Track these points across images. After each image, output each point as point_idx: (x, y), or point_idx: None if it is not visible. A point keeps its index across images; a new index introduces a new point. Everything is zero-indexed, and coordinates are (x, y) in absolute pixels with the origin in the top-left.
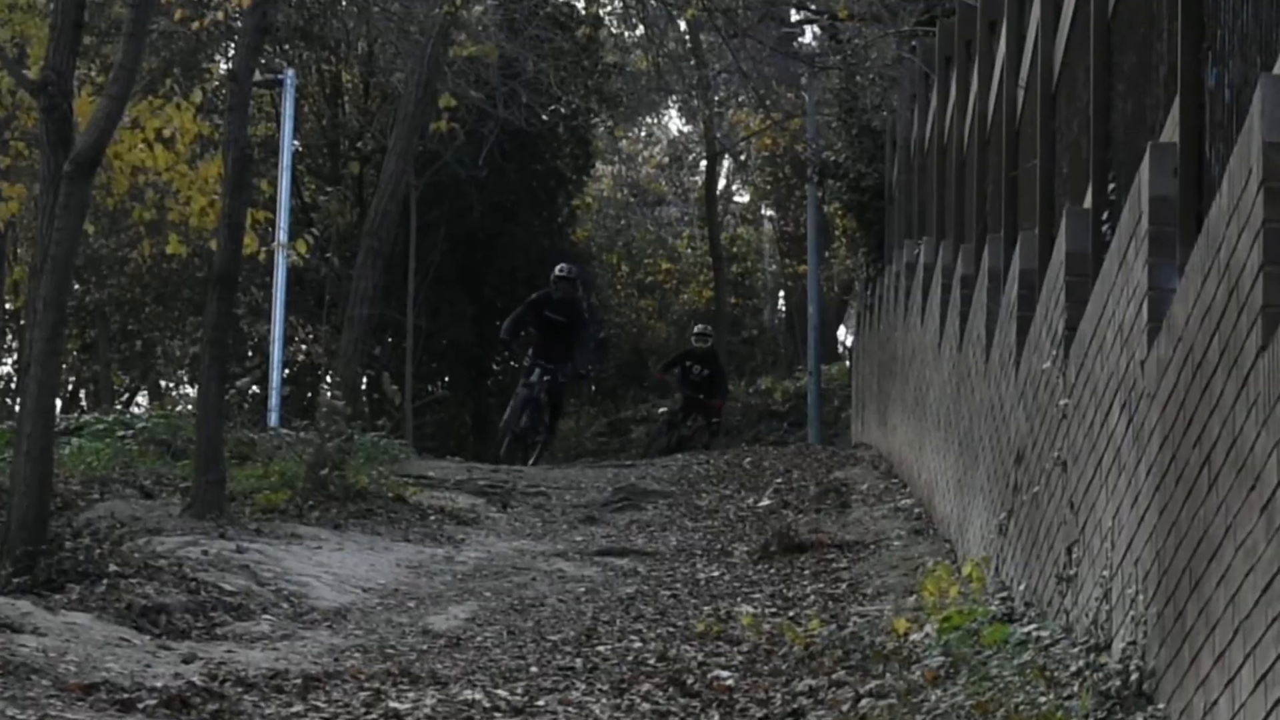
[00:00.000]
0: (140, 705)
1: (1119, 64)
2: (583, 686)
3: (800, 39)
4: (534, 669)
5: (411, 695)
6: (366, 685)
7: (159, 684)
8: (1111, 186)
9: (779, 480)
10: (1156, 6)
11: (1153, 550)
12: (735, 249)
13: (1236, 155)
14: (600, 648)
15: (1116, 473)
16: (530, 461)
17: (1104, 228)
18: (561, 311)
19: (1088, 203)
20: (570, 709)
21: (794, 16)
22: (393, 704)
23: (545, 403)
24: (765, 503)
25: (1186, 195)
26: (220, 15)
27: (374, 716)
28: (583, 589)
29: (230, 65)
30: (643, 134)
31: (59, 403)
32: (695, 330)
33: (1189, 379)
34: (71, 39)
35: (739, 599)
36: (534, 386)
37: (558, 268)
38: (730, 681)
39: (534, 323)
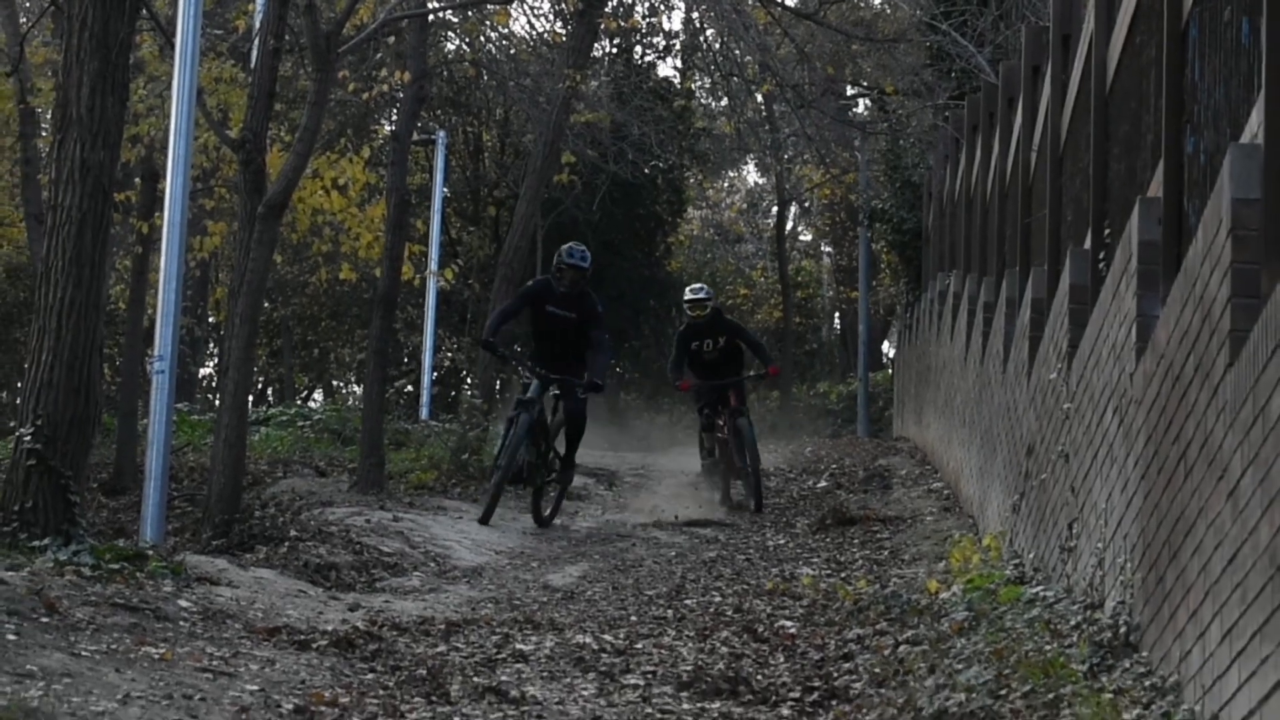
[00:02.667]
0: (314, 645)
1: (1114, 132)
2: (673, 633)
3: (854, 109)
4: (633, 618)
5: (534, 639)
6: (497, 630)
7: (329, 627)
8: (1107, 232)
9: (834, 466)
10: (1145, 86)
11: (1139, 527)
12: (799, 278)
13: (1210, 208)
14: (688, 601)
15: (1109, 464)
16: (547, 514)
17: (1100, 265)
18: (569, 305)
19: (1088, 245)
20: (663, 651)
21: (850, 91)
22: (519, 645)
23: (555, 428)
24: (822, 484)
25: (1168, 240)
26: (385, 87)
27: (504, 655)
28: (674, 553)
29: (393, 127)
30: (725, 185)
31: (251, 398)
32: (686, 298)
33: (1169, 389)
34: (265, 106)
35: (800, 563)
36: (532, 405)
37: (565, 248)
38: (793, 630)
39: (533, 321)
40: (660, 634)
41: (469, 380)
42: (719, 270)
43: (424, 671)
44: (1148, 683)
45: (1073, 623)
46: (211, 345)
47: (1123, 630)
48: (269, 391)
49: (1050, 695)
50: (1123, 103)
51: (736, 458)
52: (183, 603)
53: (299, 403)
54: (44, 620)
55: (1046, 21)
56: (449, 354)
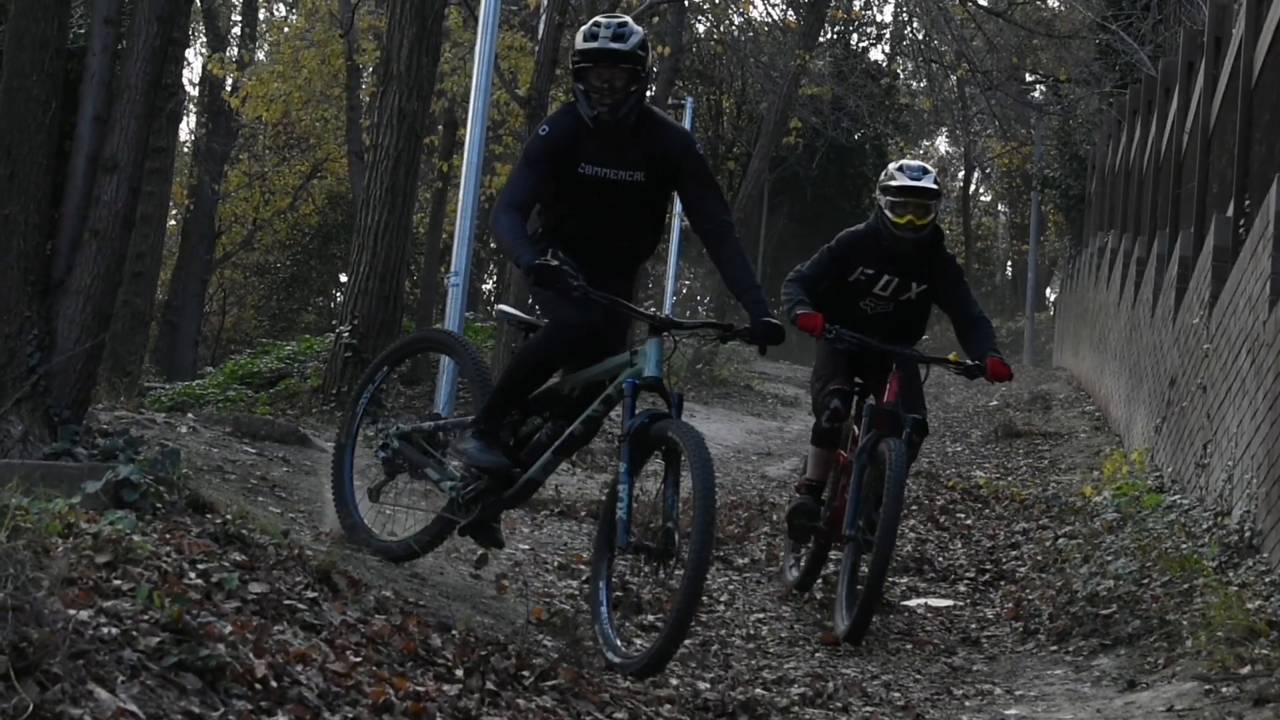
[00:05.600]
0: (574, 514)
1: (1257, 120)
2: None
3: (1032, 94)
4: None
5: (750, 517)
6: (722, 511)
7: (588, 499)
8: (1247, 203)
9: (1002, 389)
10: None
11: (1265, 449)
12: (979, 231)
13: None
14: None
15: (1241, 396)
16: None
17: (1240, 230)
18: (628, 153)
19: (1230, 213)
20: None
21: (1029, 78)
22: (740, 525)
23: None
24: (994, 403)
25: None
26: None
27: (732, 529)
28: None
29: (652, 93)
30: (921, 151)
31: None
32: (894, 183)
33: None
34: (549, 70)
35: (974, 466)
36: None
37: (586, 27)
38: (969, 521)
39: (559, 201)
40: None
41: (702, 300)
42: None
43: None
44: (1268, 579)
45: (1204, 526)
46: (492, 266)
47: (1247, 535)
48: (537, 307)
49: (1185, 585)
50: (1265, 95)
51: (857, 513)
52: None
53: None
54: (356, 484)
55: (1202, 25)
56: (686, 281)
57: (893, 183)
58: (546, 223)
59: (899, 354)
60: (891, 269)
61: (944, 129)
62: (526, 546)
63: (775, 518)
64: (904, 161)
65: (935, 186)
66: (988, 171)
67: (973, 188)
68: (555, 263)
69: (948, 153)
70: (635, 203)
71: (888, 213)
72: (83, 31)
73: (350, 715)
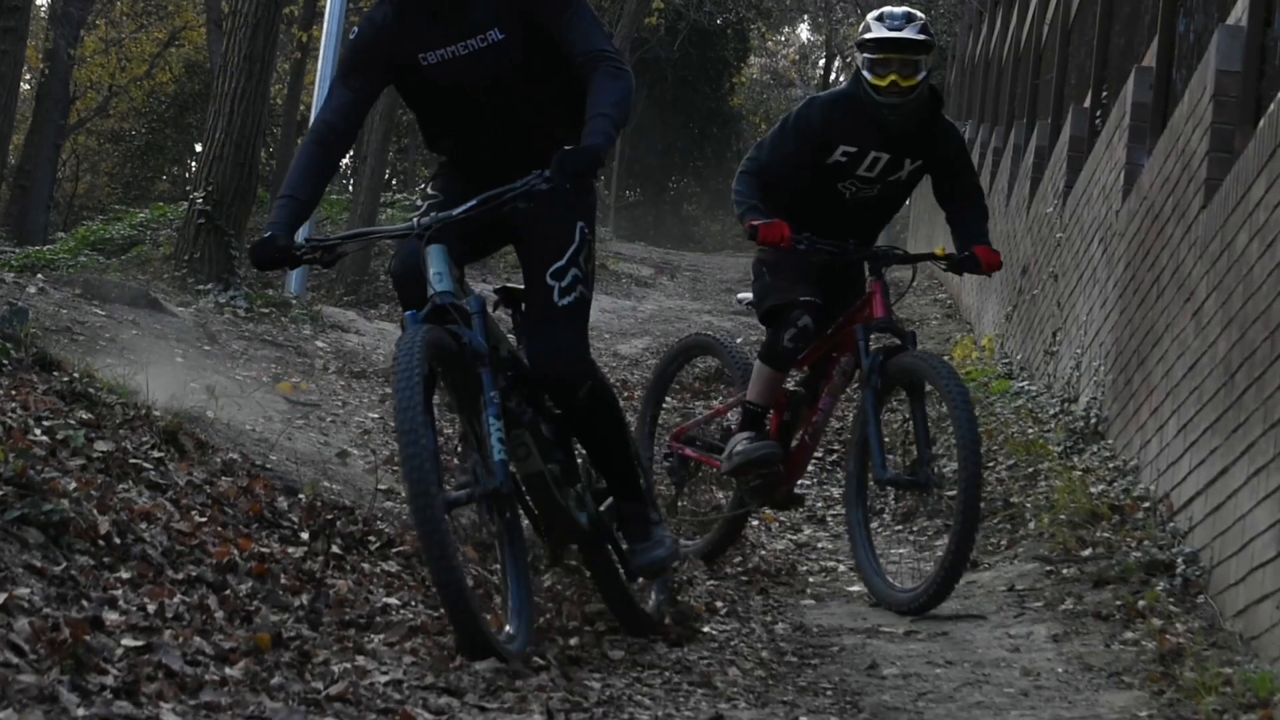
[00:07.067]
0: None
1: (1117, 11)
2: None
3: None
4: (689, 378)
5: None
6: None
7: None
8: (1104, 94)
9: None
10: None
11: (1113, 337)
12: None
13: (1196, 77)
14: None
15: (1092, 284)
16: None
17: (1097, 121)
18: (471, 18)
19: (1087, 104)
20: (713, 404)
21: None
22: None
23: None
24: None
25: (1157, 103)
26: None
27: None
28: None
29: None
30: (783, 38)
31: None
32: (871, 35)
33: (1149, 225)
34: None
35: None
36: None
37: None
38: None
39: (411, 102)
40: (711, 394)
41: None
42: (772, 109)
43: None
44: (1111, 465)
45: (1051, 413)
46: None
47: (1093, 421)
48: (394, 181)
49: (1030, 469)
50: None
51: (883, 451)
52: (319, 344)
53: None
54: (206, 349)
55: None
56: None
57: (869, 35)
58: (434, 146)
59: (881, 255)
60: (879, 144)
61: (806, 16)
62: (375, 415)
63: (635, 393)
64: (883, 9)
65: (923, 37)
66: (849, 60)
67: (834, 76)
68: (265, 235)
69: (809, 40)
70: (506, 78)
71: (866, 74)
72: None
73: (194, 574)
